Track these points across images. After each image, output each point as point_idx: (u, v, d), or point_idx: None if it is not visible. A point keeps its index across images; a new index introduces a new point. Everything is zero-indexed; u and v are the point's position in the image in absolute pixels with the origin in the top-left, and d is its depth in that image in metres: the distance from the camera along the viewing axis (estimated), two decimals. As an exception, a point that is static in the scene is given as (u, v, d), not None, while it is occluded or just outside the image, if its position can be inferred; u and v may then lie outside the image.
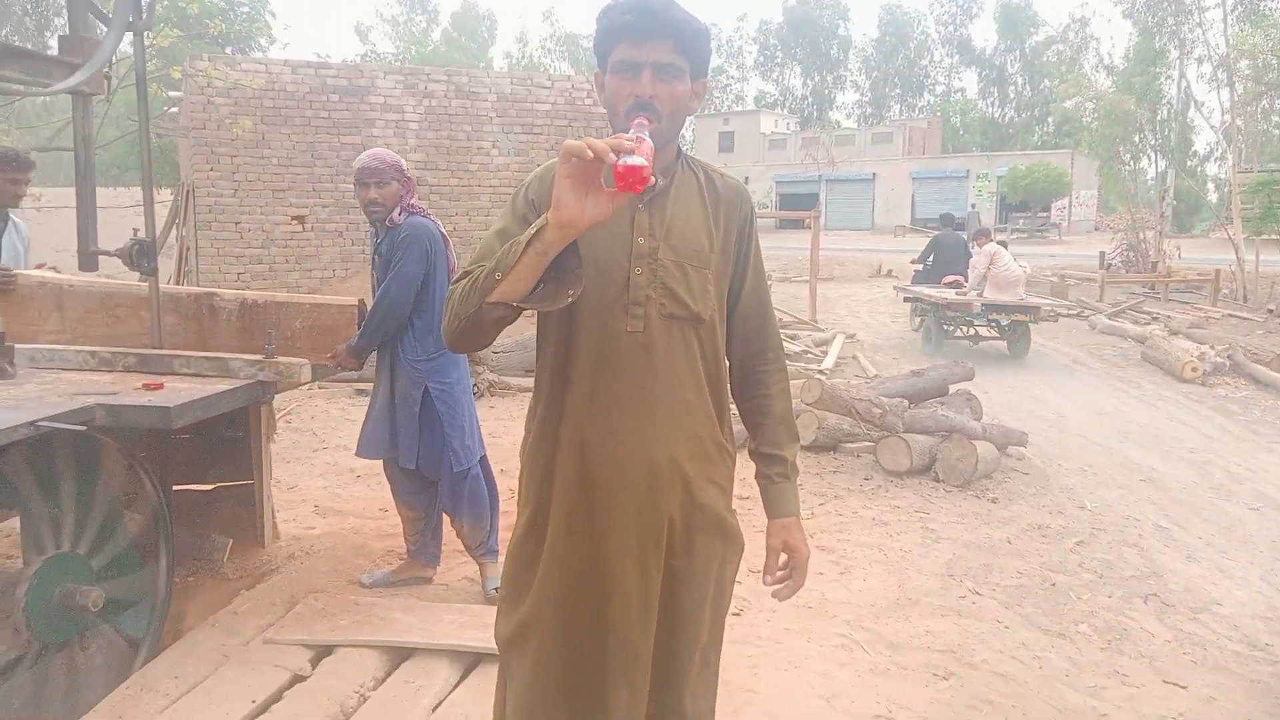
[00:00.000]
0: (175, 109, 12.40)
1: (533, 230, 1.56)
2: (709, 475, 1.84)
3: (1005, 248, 11.16)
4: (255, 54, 14.12)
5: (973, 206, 37.40)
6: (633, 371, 1.76)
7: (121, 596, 3.31)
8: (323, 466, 5.55)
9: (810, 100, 70.31)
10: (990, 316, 10.80)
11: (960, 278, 11.36)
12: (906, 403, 5.89)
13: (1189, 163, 28.36)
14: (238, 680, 3.10)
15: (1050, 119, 56.44)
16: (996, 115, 64.68)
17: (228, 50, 11.98)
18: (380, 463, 4.04)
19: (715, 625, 1.90)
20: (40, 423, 2.77)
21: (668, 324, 1.77)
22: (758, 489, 1.98)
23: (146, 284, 3.60)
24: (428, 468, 3.80)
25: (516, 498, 1.93)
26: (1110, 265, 19.31)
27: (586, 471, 1.77)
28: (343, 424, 6.63)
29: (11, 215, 4.20)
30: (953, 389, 6.72)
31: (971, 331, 11.31)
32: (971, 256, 11.52)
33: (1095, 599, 4.02)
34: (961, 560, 4.28)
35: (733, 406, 1.96)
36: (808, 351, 10.66)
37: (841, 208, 49.15)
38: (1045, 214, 39.92)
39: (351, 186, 3.83)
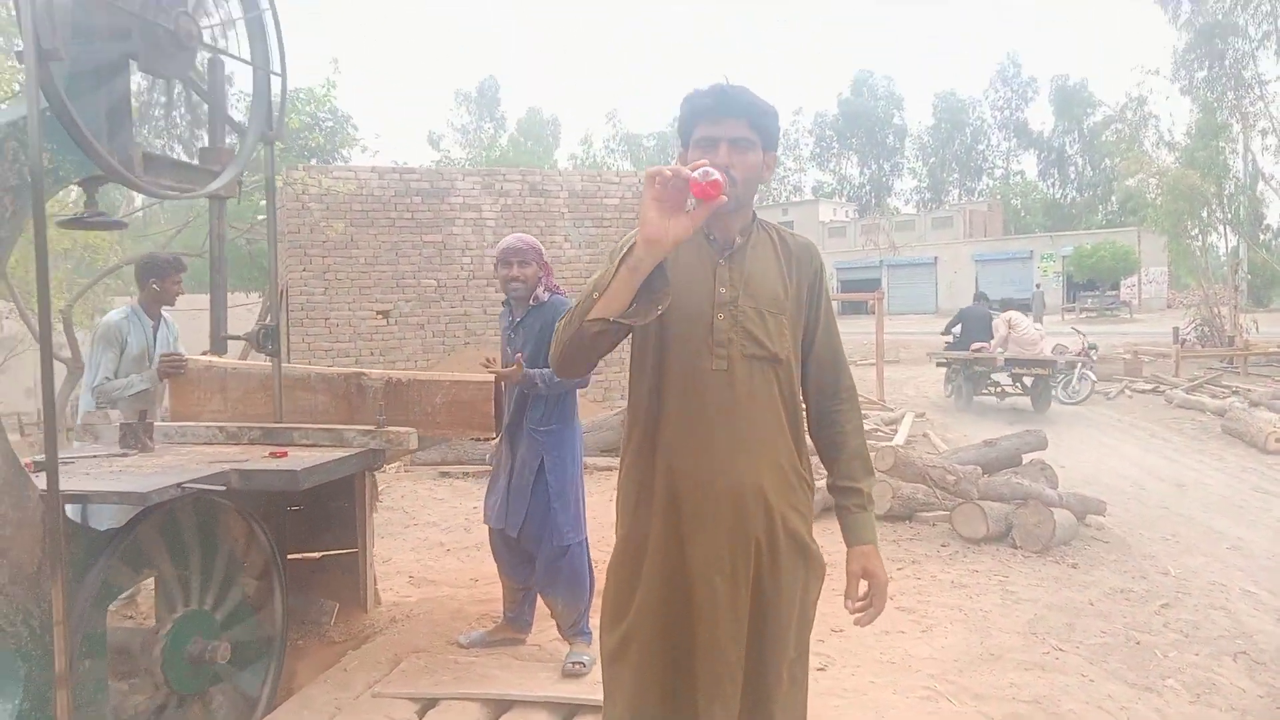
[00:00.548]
0: (259, 220, 13.23)
1: (624, 250, 1.83)
2: (791, 502, 2.03)
3: (1029, 315, 12.94)
4: (337, 164, 15.05)
5: (1038, 286, 37.11)
6: (718, 406, 1.99)
7: (243, 654, 3.57)
8: (414, 541, 5.82)
9: (868, 188, 71.08)
10: (1014, 372, 12.28)
11: (986, 345, 12.65)
12: (980, 470, 5.95)
13: (1261, 236, 27.85)
14: (352, 729, 3.31)
15: (1113, 197, 56.05)
16: (1058, 196, 64.47)
17: (313, 161, 12.83)
18: (469, 536, 4.24)
19: (800, 644, 2.06)
20: (185, 484, 3.09)
21: (749, 363, 2.00)
22: (837, 522, 2.16)
23: (299, 367, 3.97)
24: (528, 538, 3.88)
25: (615, 524, 2.13)
26: (1185, 340, 18.98)
27: (678, 497, 1.99)
28: (430, 502, 6.93)
29: (164, 314, 4.67)
30: (1026, 459, 6.75)
31: (998, 389, 12.82)
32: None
33: (1182, 656, 4.01)
34: (1043, 620, 4.31)
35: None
36: (878, 430, 10.71)
37: (904, 292, 49.16)
38: (1114, 292, 39.35)
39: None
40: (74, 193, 6.95)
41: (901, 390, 16.16)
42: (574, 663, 3.72)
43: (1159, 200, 22.00)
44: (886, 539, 5.63)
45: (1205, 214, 21.45)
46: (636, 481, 2.05)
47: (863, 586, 2.10)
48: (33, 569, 2.85)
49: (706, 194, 1.72)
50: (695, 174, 1.72)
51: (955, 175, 69.50)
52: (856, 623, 2.11)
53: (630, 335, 2.05)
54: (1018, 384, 12.56)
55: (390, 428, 3.77)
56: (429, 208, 11.31)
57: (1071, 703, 3.42)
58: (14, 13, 3.04)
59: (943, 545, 5.51)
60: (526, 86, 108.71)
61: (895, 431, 10.44)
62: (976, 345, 12.73)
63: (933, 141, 68.88)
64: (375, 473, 4.44)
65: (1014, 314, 12.48)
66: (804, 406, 2.17)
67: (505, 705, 3.51)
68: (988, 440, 6.97)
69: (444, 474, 8.03)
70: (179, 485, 3.06)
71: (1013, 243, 48.38)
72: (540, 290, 3.92)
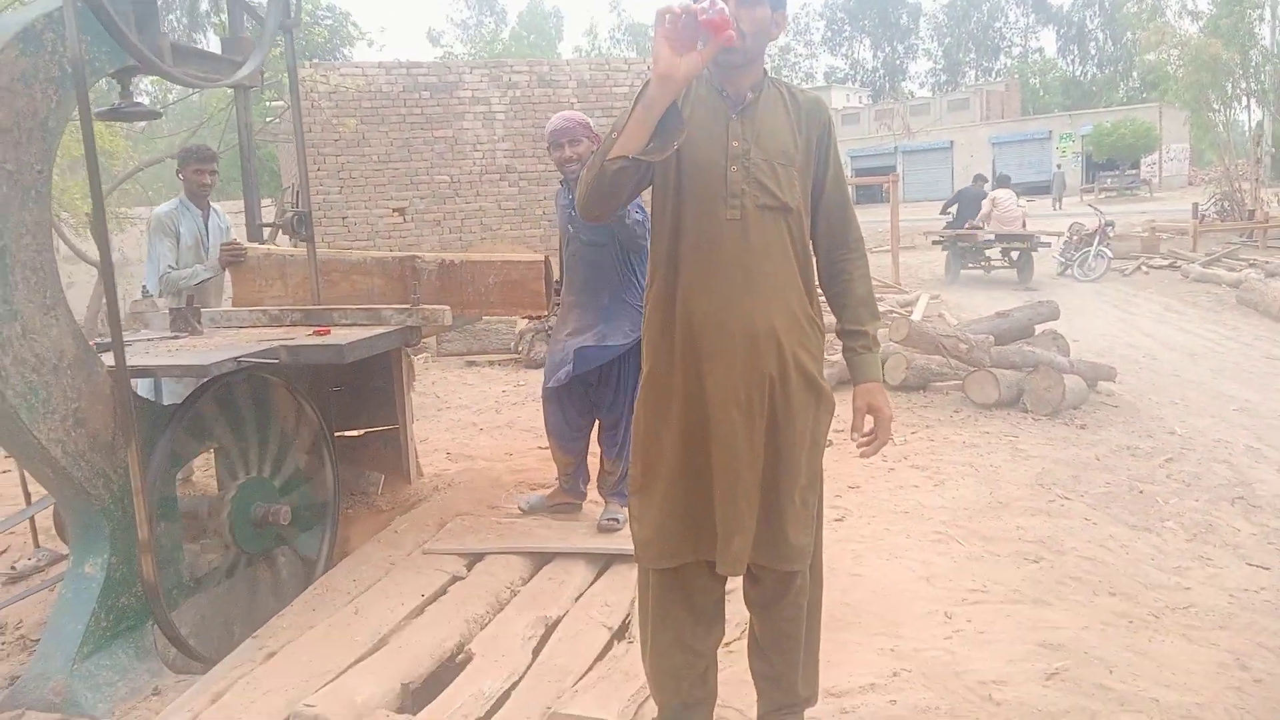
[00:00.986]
0: (275, 119, 13.19)
1: (640, 91, 1.96)
2: (802, 343, 2.19)
3: (1014, 193, 14.03)
4: (340, 62, 14.86)
5: (1058, 167, 36.49)
6: (733, 253, 2.13)
7: (301, 520, 3.85)
8: (448, 423, 6.08)
9: (882, 72, 69.26)
10: (1002, 247, 13.56)
11: (979, 224, 13.71)
12: (992, 339, 6.11)
13: (1287, 107, 27.12)
14: (406, 581, 3.59)
15: (1135, 73, 54.44)
16: (1078, 74, 62.64)
17: (314, 60, 12.69)
18: (500, 416, 4.41)
19: (811, 471, 2.25)
20: (240, 358, 3.30)
21: (761, 213, 2.13)
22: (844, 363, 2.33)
23: (356, 253, 4.12)
24: (606, 400, 4.05)
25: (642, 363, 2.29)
26: (1204, 216, 18.79)
27: (696, 338, 2.15)
28: (460, 388, 7.19)
29: (212, 205, 4.77)
30: (1039, 330, 6.90)
31: (985, 264, 13.90)
32: None
33: (1182, 503, 4.24)
34: (1050, 473, 4.54)
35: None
36: (893, 312, 10.84)
37: (920, 178, 48.38)
38: (1134, 171, 38.66)
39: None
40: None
41: (917, 274, 16.19)
42: (609, 519, 3.98)
43: (1180, 73, 21.42)
44: (901, 407, 5.85)
45: (1229, 86, 20.91)
46: (658, 325, 2.21)
47: (868, 422, 2.28)
48: (108, 438, 3.09)
49: (715, 27, 1.82)
50: (703, 14, 1.82)
51: (971, 55, 67.47)
52: (862, 454, 2.29)
53: (651, 189, 2.18)
54: (1005, 258, 13.75)
55: (425, 305, 3.94)
56: (438, 103, 11.25)
57: (1074, 542, 3.67)
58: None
59: (955, 411, 5.72)
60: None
61: (911, 312, 10.57)
62: (970, 224, 13.88)
63: (948, 20, 66.68)
64: (411, 354, 4.65)
65: (999, 192, 13.79)
66: (814, 256, 2.31)
67: (546, 558, 3.79)
68: (1000, 312, 7.10)
69: (470, 363, 8.28)
70: (235, 359, 3.26)
71: (1031, 123, 47.31)
72: None
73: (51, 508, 4.04)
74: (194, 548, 3.52)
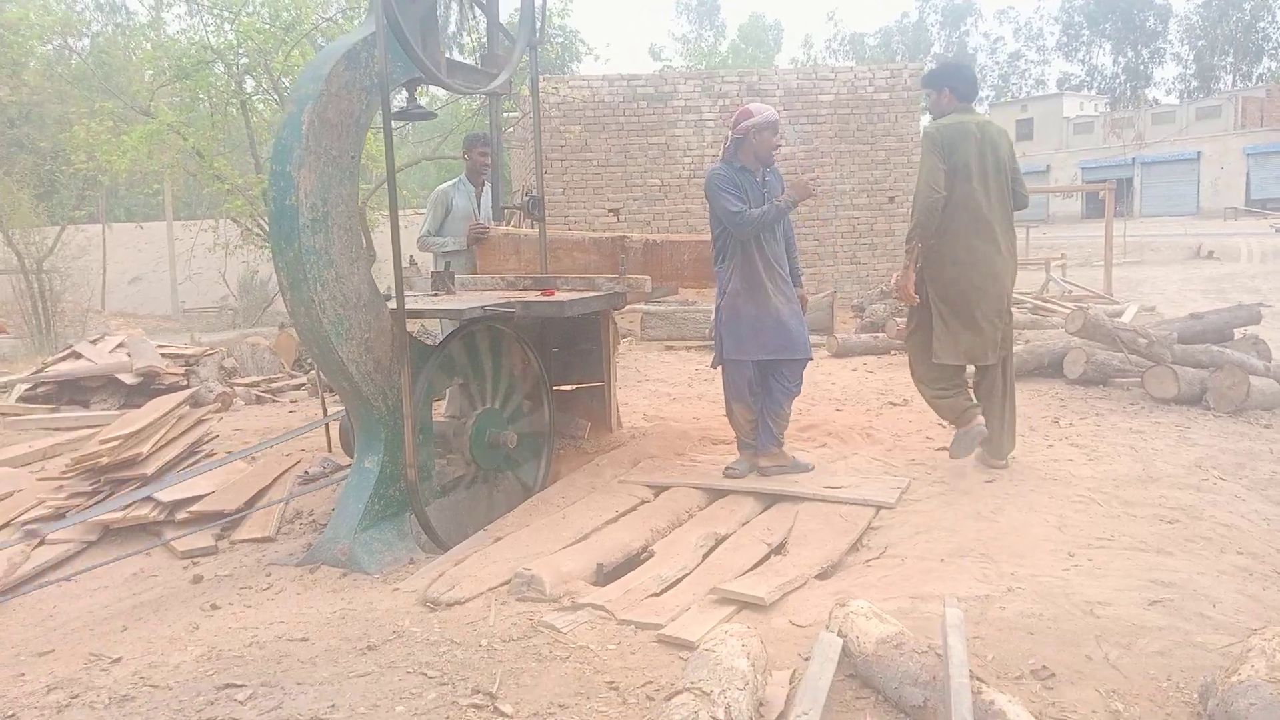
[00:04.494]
0: (510, 128, 14.62)
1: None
2: None
3: None
4: (569, 75, 16.16)
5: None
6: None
7: (521, 451, 4.68)
8: (646, 392, 6.85)
9: (1122, 79, 64.71)
10: None
11: None
12: (1175, 335, 6.12)
13: None
14: (604, 500, 4.35)
15: None
16: (1357, 78, 55.83)
17: (545, 75, 13.97)
18: (691, 389, 4.99)
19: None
20: (487, 307, 4.17)
21: None
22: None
23: (576, 233, 5.00)
24: (791, 359, 4.59)
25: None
26: None
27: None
28: (659, 365, 7.99)
29: (486, 183, 5.78)
30: (1238, 334, 6.77)
31: None
32: None
33: (1354, 496, 4.27)
34: (1213, 458, 4.65)
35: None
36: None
37: (1159, 192, 45.04)
38: None
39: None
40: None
41: (1137, 289, 15.48)
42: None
43: None
44: (1075, 398, 6.02)
45: None
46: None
47: None
48: (388, 363, 4.03)
49: None
50: None
51: (1229, 59, 61.73)
52: None
53: None
54: None
55: (630, 275, 4.70)
56: (654, 111, 12.18)
57: (1215, 511, 3.86)
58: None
59: (1131, 404, 5.81)
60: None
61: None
62: None
63: (1202, 22, 61.34)
64: (617, 324, 5.44)
65: None
66: None
67: (720, 493, 4.43)
68: (1194, 313, 7.00)
69: (669, 347, 9.07)
70: (482, 308, 4.13)
71: (1294, 132, 42.86)
72: None
73: (338, 427, 5.12)
74: (441, 461, 4.44)
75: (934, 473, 4.56)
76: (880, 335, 8.75)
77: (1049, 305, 10.43)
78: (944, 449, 5.03)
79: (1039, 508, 3.94)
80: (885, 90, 12.62)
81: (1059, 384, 6.45)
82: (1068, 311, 8.10)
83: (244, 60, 9.94)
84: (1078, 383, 6.32)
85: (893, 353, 8.46)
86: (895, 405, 6.24)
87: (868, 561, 3.59)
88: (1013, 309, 4.88)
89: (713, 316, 4.42)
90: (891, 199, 12.76)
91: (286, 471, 5.13)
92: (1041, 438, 5.10)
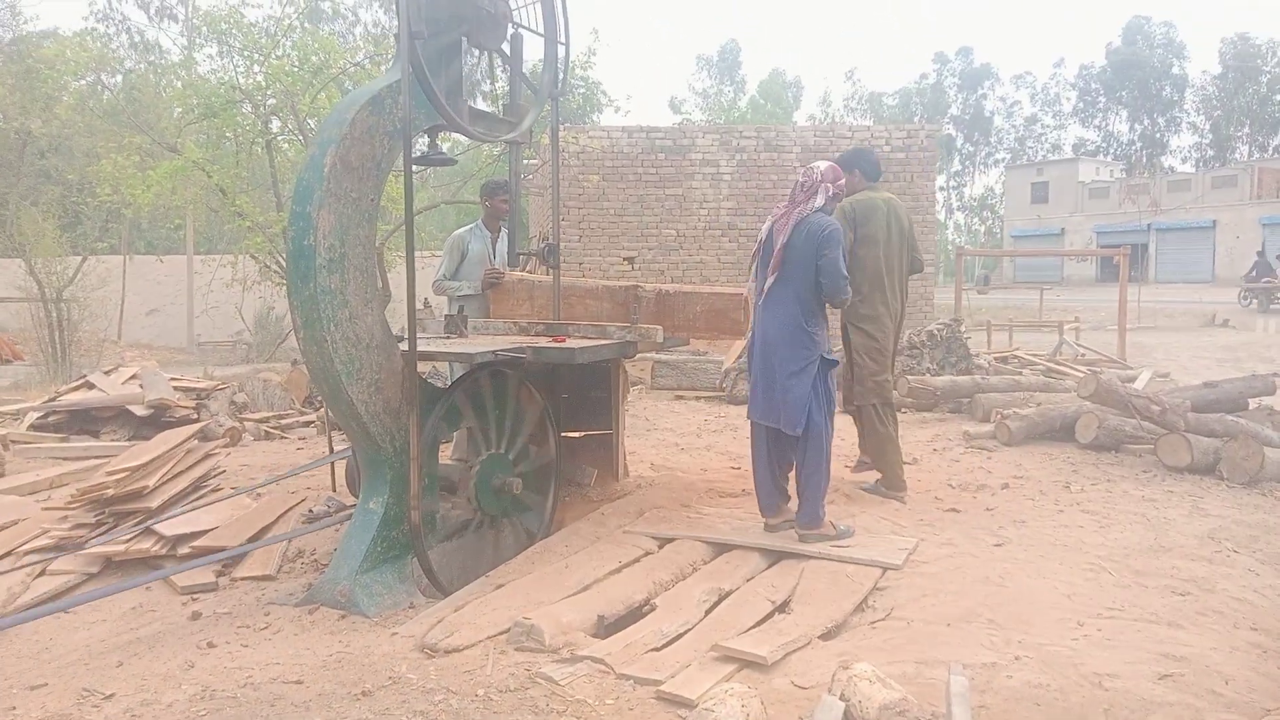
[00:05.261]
0: (529, 175, 14.81)
1: None
2: None
3: None
4: (588, 126, 16.39)
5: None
6: None
7: (526, 497, 4.65)
8: (654, 441, 6.83)
9: (1138, 145, 65.21)
10: None
11: None
12: (1189, 404, 6.08)
13: None
14: (608, 550, 4.31)
15: None
16: (1375, 152, 56.08)
17: (566, 124, 14.18)
18: (700, 440, 4.97)
19: None
20: (499, 352, 4.18)
21: None
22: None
23: (590, 281, 5.03)
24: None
25: None
26: None
27: None
28: (668, 415, 7.96)
29: (503, 229, 5.83)
30: (1253, 404, 6.72)
31: None
32: None
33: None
34: (1226, 530, 4.58)
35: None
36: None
37: (1177, 258, 45.10)
38: None
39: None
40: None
41: (1151, 355, 15.41)
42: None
43: None
44: (1086, 463, 5.96)
45: None
46: None
47: None
48: (396, 405, 4.03)
49: None
50: None
51: (1245, 130, 62.17)
52: None
53: None
54: None
55: (641, 325, 4.71)
56: (671, 163, 12.32)
57: (1229, 585, 3.79)
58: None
59: (1143, 471, 5.75)
60: (769, 48, 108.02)
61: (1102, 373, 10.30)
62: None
63: (1219, 93, 61.91)
64: (627, 373, 5.44)
65: None
66: None
67: (726, 547, 4.38)
68: (1209, 382, 6.95)
69: (679, 396, 9.05)
70: (494, 352, 4.15)
71: (1311, 205, 42.97)
72: None
73: (344, 467, 5.11)
74: (446, 504, 4.41)
75: (942, 534, 4.51)
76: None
77: (1062, 368, 10.38)
78: (953, 509, 4.99)
79: (1048, 574, 3.88)
80: (902, 150, 12.74)
81: (1070, 448, 6.40)
82: (1080, 375, 8.07)
83: (271, 101, 10.13)
84: (1089, 447, 6.26)
85: (903, 410, 8.41)
86: (905, 464, 6.18)
87: (873, 623, 3.54)
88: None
89: (827, 364, 4.47)
90: (906, 257, 12.80)
91: (291, 509, 5.11)
92: (1052, 502, 5.05)
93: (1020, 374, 9.47)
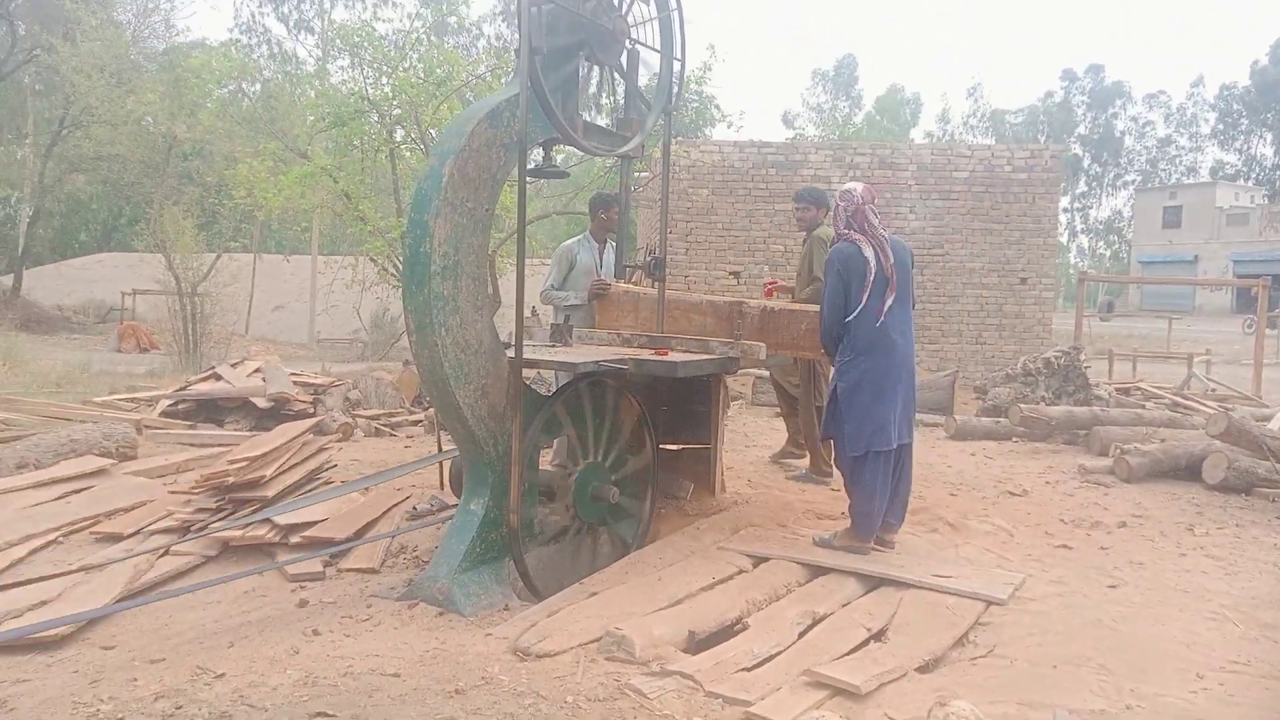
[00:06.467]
0: (639, 188, 14.92)
1: None
2: None
3: None
4: (700, 140, 16.45)
5: None
6: None
7: (623, 508, 4.67)
8: (752, 458, 6.78)
9: (1285, 170, 61.35)
10: None
11: None
12: (1332, 448, 5.68)
13: None
14: (701, 566, 4.29)
15: None
16: None
17: (679, 138, 14.25)
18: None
19: None
20: (601, 363, 4.22)
21: None
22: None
23: (695, 295, 5.07)
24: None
25: None
26: None
27: None
28: (767, 432, 7.89)
29: (610, 241, 5.93)
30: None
31: None
32: None
33: None
34: (1371, 586, 4.26)
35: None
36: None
37: (1324, 292, 42.17)
38: None
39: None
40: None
41: (1289, 393, 14.45)
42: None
43: None
44: (1213, 504, 5.62)
45: None
46: None
47: None
48: (501, 410, 4.12)
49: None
50: None
51: (1407, 154, 57.75)
52: None
53: None
54: None
55: (744, 341, 4.68)
56: (782, 179, 12.23)
57: (1371, 646, 3.52)
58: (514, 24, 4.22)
59: (1276, 517, 5.39)
60: (889, 64, 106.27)
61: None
62: None
63: (1377, 113, 57.74)
64: (729, 388, 5.41)
65: None
66: None
67: (823, 571, 4.31)
68: (1355, 426, 6.48)
69: (779, 414, 8.94)
70: (597, 363, 4.19)
71: None
72: None
73: (449, 468, 5.25)
74: (544, 510, 4.48)
75: (1051, 570, 4.33)
76: (1002, 420, 8.41)
77: (1190, 403, 9.83)
78: (1064, 546, 4.78)
79: (1167, 621, 3.68)
80: (1024, 170, 12.32)
81: (1196, 489, 6.05)
82: (1210, 412, 7.62)
83: (396, 111, 10.52)
84: (1217, 489, 5.91)
85: (1015, 439, 8.12)
86: (1014, 495, 5.97)
87: (973, 659, 3.42)
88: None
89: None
90: (1024, 280, 12.37)
91: (396, 505, 5.28)
92: (1173, 545, 4.78)
93: (1143, 407, 9.02)
